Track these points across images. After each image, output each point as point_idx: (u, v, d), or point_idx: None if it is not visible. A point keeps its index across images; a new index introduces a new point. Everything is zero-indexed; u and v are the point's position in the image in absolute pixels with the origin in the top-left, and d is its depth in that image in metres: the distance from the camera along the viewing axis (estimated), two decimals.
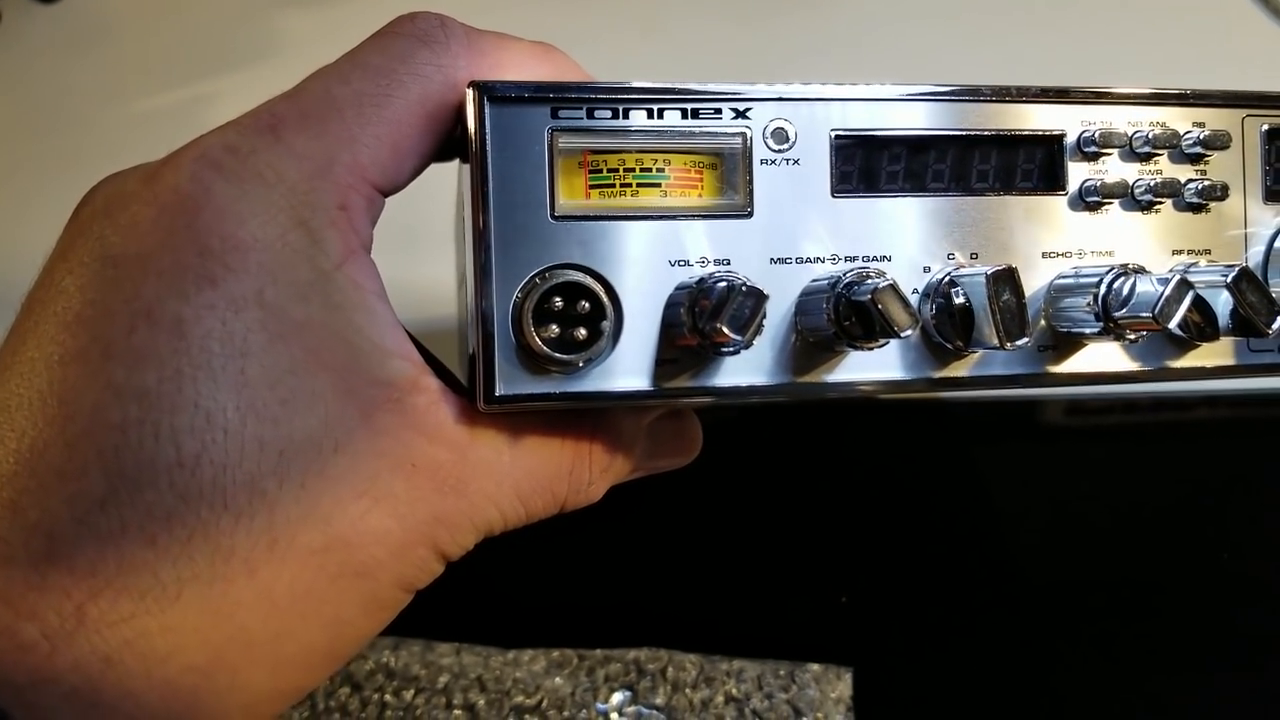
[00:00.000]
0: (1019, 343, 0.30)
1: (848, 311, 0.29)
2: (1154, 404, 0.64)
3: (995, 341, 0.30)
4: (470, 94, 0.29)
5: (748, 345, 0.29)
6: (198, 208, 0.26)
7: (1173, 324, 0.29)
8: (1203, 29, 0.72)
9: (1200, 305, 0.33)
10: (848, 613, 0.61)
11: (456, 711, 0.58)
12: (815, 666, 0.58)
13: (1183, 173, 0.34)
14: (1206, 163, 0.34)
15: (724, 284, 0.28)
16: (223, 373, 0.26)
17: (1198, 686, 0.57)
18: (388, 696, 0.59)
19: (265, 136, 0.28)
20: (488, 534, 0.32)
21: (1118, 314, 0.30)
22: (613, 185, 0.31)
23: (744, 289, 0.28)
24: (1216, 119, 0.34)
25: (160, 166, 0.28)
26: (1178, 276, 0.29)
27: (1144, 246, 0.34)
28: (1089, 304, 0.31)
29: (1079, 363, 0.33)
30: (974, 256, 0.33)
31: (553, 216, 0.30)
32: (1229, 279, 0.31)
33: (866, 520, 0.62)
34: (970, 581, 0.61)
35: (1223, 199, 0.34)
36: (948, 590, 0.61)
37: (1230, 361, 0.34)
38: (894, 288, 0.28)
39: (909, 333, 0.28)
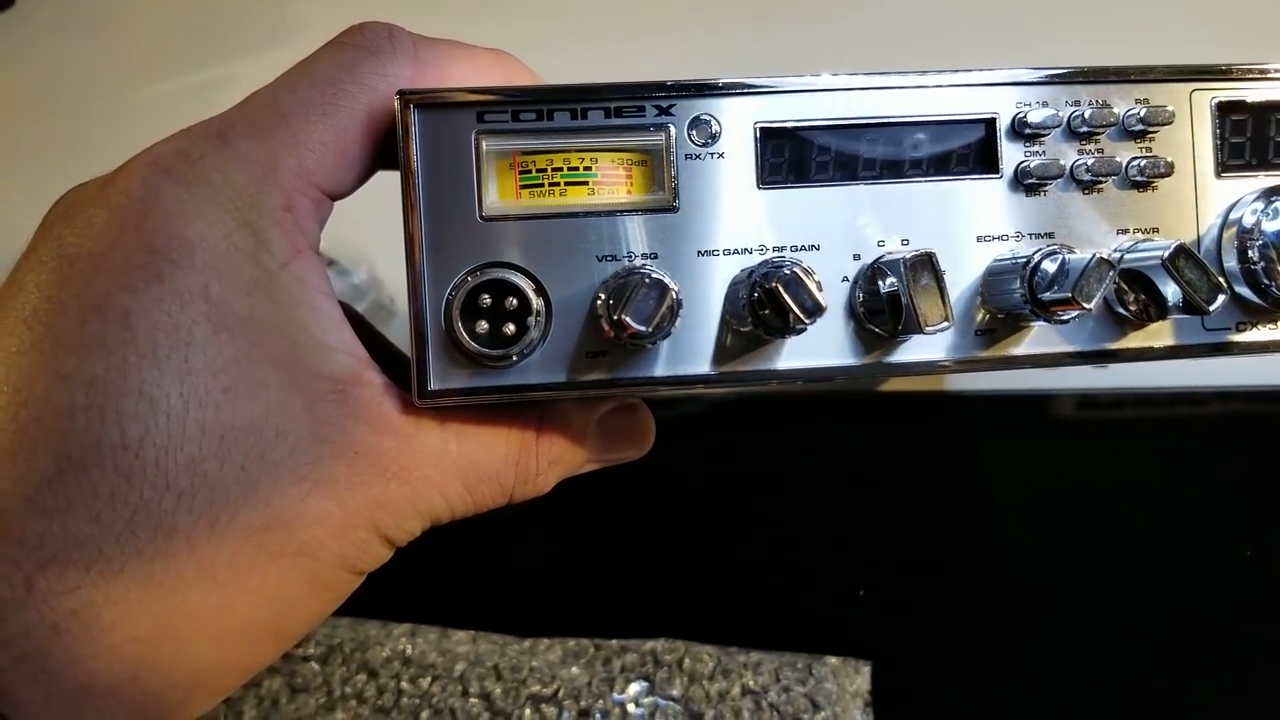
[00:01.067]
0: (937, 327, 0.30)
1: (762, 300, 0.30)
2: (1168, 399, 0.62)
3: (915, 326, 0.30)
4: (398, 102, 0.31)
5: (659, 335, 0.29)
6: (147, 209, 0.28)
7: (1092, 304, 0.29)
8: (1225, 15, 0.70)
9: (1145, 284, 0.32)
10: (866, 606, 0.60)
11: (473, 700, 0.59)
12: (833, 659, 0.58)
13: (1126, 150, 0.33)
14: (1151, 139, 0.33)
15: (635, 277, 0.29)
16: (168, 362, 0.27)
17: (1217, 681, 0.56)
18: (404, 684, 0.59)
19: (214, 142, 0.30)
20: (434, 521, 0.33)
21: (1044, 295, 0.30)
22: (541, 185, 0.32)
23: (648, 281, 0.28)
24: (1161, 94, 0.34)
25: (116, 172, 0.30)
26: (1096, 255, 0.29)
27: (1086, 226, 0.33)
28: (1018, 286, 0.31)
29: (1019, 346, 0.33)
30: (905, 243, 0.33)
31: (481, 217, 0.31)
32: (1164, 256, 0.30)
33: (884, 514, 0.62)
34: (987, 575, 0.60)
35: (1167, 175, 0.33)
36: (965, 584, 0.60)
37: (1180, 341, 0.34)
38: (798, 276, 0.28)
39: (812, 320, 0.28)
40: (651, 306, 0.28)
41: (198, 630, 0.28)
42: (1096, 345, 0.33)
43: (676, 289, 0.29)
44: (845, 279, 0.32)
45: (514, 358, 0.31)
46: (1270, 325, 0.34)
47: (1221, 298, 0.31)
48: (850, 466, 0.64)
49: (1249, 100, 0.34)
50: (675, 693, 0.58)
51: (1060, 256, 0.30)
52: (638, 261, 0.32)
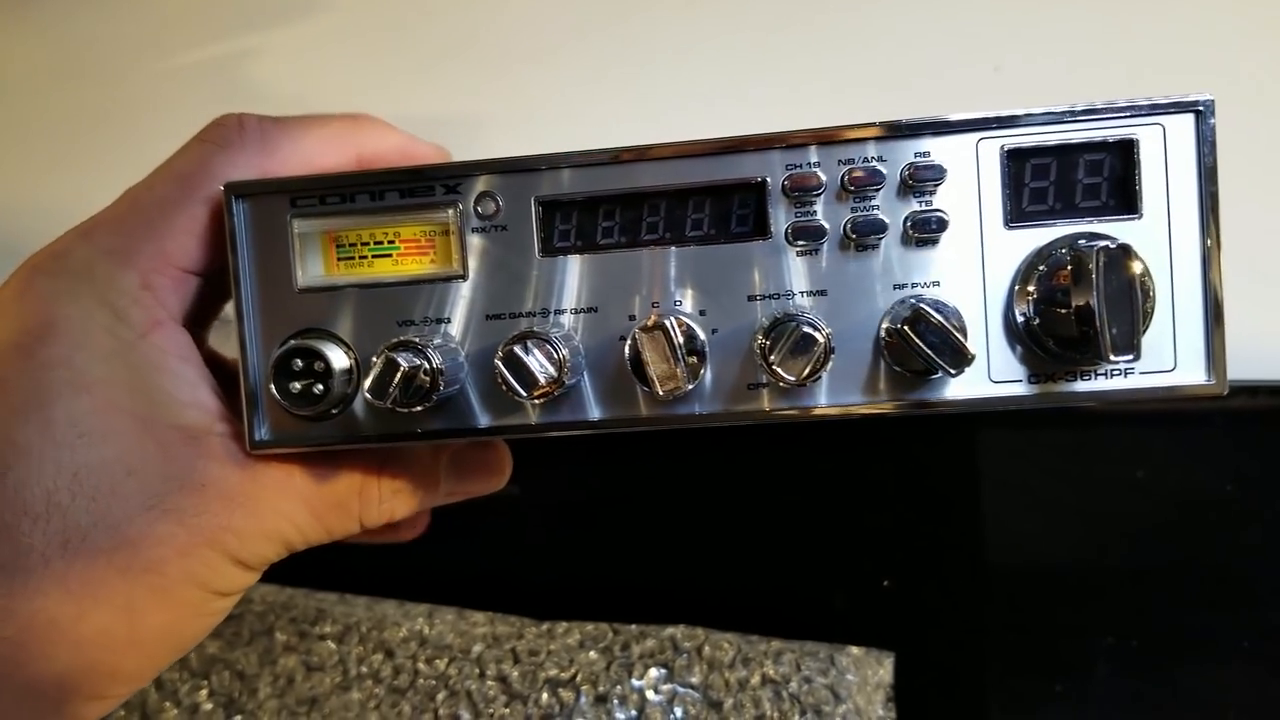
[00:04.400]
0: (670, 391, 0.32)
1: (504, 369, 0.32)
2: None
3: (654, 389, 0.32)
4: (222, 193, 0.36)
5: (408, 403, 0.33)
6: (22, 298, 0.36)
7: (790, 377, 0.30)
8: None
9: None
10: (890, 598, 0.60)
11: (489, 682, 0.60)
12: (856, 650, 0.57)
13: (906, 206, 0.33)
14: (931, 194, 0.33)
15: (385, 353, 0.33)
16: (34, 415, 0.34)
17: (1249, 678, 0.54)
18: (421, 664, 0.61)
19: (80, 240, 0.36)
20: (288, 546, 0.38)
21: (769, 358, 0.31)
22: (353, 257, 0.36)
23: (385, 361, 0.32)
24: (943, 147, 0.33)
25: (11, 274, 0.37)
26: (756, 332, 0.30)
27: (862, 284, 0.34)
28: (756, 349, 0.32)
29: (787, 400, 0.34)
30: (678, 304, 0.34)
31: (297, 289, 0.36)
32: (899, 323, 0.31)
33: (910, 506, 0.61)
34: (1012, 568, 0.59)
35: (942, 230, 0.33)
36: (990, 577, 0.59)
37: (965, 395, 0.34)
38: (515, 356, 0.31)
39: (529, 396, 0.31)
40: (385, 382, 0.32)
41: (58, 635, 0.34)
42: (874, 399, 0.34)
43: (409, 363, 0.32)
44: (621, 338, 0.35)
45: (334, 411, 0.36)
46: (1065, 379, 0.33)
47: (963, 367, 0.31)
48: (878, 458, 0.62)
49: (1048, 144, 0.33)
50: (695, 680, 0.58)
51: (788, 325, 0.31)
52: (431, 327, 0.35)
